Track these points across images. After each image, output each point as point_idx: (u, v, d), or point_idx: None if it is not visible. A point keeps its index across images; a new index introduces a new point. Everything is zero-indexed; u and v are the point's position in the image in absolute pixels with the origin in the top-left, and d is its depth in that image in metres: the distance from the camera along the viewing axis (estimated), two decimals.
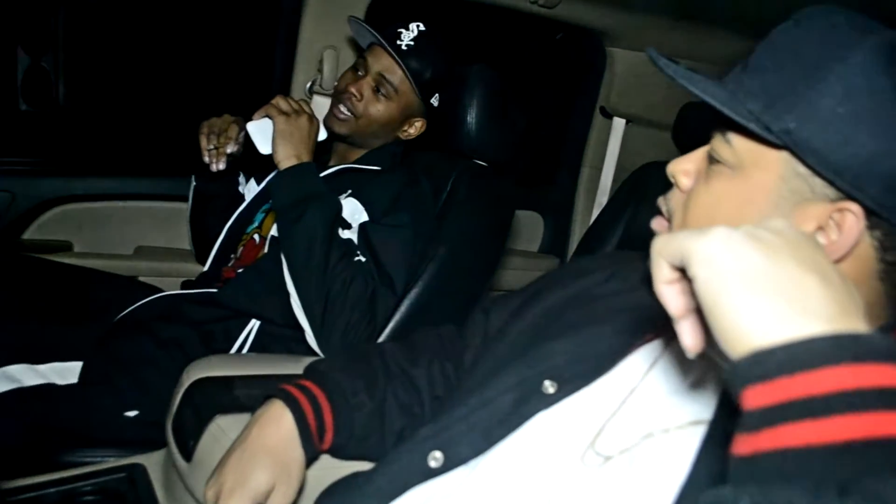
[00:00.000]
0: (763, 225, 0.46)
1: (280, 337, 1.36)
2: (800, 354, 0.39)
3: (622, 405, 0.69)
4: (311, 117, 1.36)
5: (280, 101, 1.34)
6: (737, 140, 0.62)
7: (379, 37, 1.44)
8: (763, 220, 0.48)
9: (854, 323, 0.41)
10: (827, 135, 0.56)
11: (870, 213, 0.57)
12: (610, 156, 2.42)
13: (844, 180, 0.56)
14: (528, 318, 0.88)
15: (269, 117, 1.32)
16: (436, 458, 0.74)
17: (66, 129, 2.47)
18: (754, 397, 0.40)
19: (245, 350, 1.36)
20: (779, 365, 0.39)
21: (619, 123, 2.39)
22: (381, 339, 1.35)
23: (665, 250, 0.47)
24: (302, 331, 1.27)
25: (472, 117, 1.50)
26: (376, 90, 1.45)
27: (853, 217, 0.57)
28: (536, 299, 0.90)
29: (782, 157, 0.59)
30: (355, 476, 0.80)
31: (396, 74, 1.44)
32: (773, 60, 0.60)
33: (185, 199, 1.68)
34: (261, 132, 1.33)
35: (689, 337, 0.47)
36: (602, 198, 2.45)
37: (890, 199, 0.56)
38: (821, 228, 0.59)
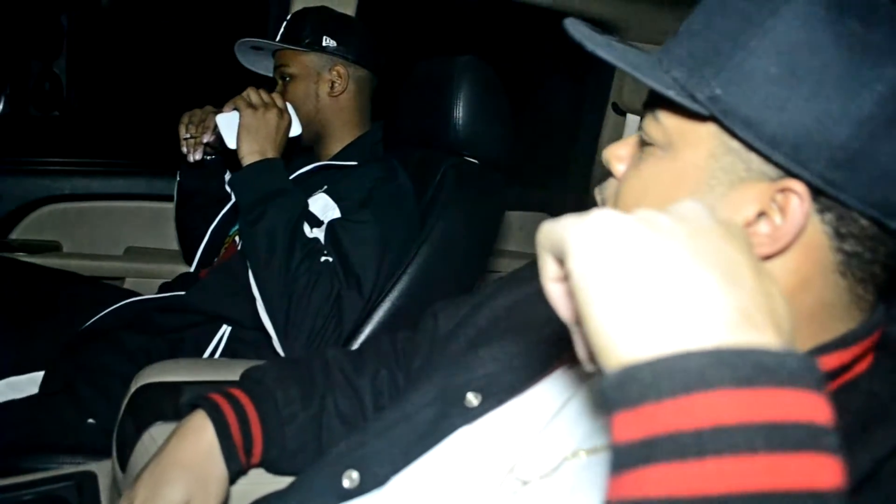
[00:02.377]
0: (669, 209, 0.38)
1: (251, 342, 1.30)
2: (669, 374, 0.30)
3: (550, 422, 0.60)
4: (282, 111, 1.30)
5: (250, 93, 1.29)
6: (664, 116, 0.53)
7: (254, 41, 1.47)
8: (673, 203, 0.39)
9: (760, 335, 0.32)
10: (758, 100, 0.46)
11: (817, 193, 0.47)
12: None
13: (782, 153, 0.46)
14: (473, 324, 0.79)
15: (237, 110, 1.27)
16: (351, 479, 0.67)
17: (75, 131, 2.48)
18: (620, 428, 0.31)
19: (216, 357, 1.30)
20: (643, 388, 0.30)
21: (632, 120, 2.28)
22: (356, 346, 1.29)
23: (547, 240, 0.39)
24: None
25: (459, 110, 1.42)
26: (284, 81, 1.45)
27: (797, 198, 0.47)
28: (487, 303, 0.82)
29: (710, 130, 0.50)
30: (269, 497, 0.73)
31: (281, 55, 1.45)
32: (701, 22, 0.51)
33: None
34: (229, 125, 1.27)
35: (582, 347, 0.39)
36: None
37: (838, 174, 0.45)
38: (764, 213, 0.49)
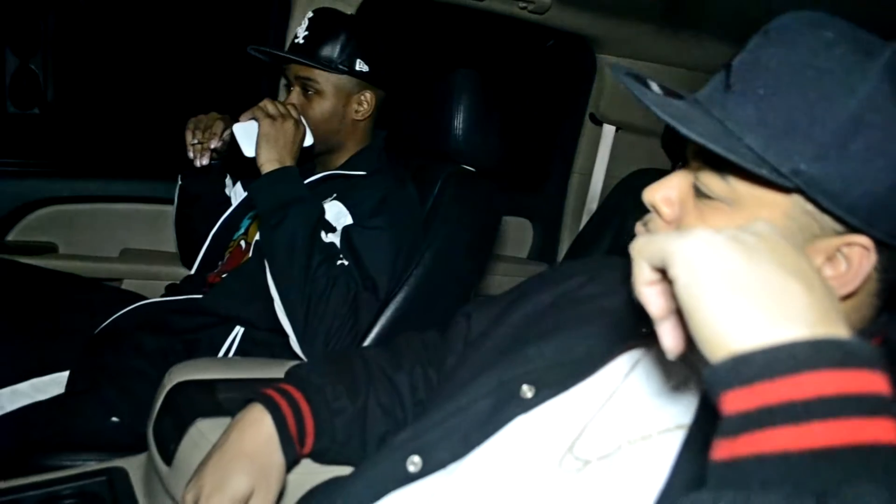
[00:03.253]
0: (746, 228, 0.46)
1: (264, 343, 1.36)
2: (780, 359, 0.38)
3: (601, 410, 0.69)
4: (298, 122, 1.35)
5: (267, 105, 1.33)
6: (736, 181, 0.58)
7: (271, 49, 1.46)
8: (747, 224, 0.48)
9: (835, 328, 0.40)
10: (840, 174, 0.53)
11: (878, 243, 0.56)
12: (599, 163, 2.43)
13: (857, 218, 0.54)
14: (509, 323, 0.87)
15: (256, 119, 1.32)
16: (414, 463, 0.73)
17: (55, 130, 2.46)
18: (733, 402, 0.39)
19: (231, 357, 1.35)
20: (759, 369, 0.39)
21: (608, 130, 2.39)
22: (365, 344, 1.35)
23: (646, 251, 0.47)
24: (285, 336, 1.26)
25: (458, 122, 1.50)
26: (305, 93, 1.43)
27: (862, 250, 0.56)
28: (517, 304, 0.90)
29: (790, 196, 0.56)
30: (335, 481, 0.80)
31: (307, 69, 1.42)
32: (765, 85, 0.56)
33: (171, 202, 1.68)
34: (246, 134, 1.32)
35: (670, 338, 0.47)
36: (591, 204, 2.45)
37: None
38: (828, 260, 0.57)
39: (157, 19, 2.77)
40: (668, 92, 0.61)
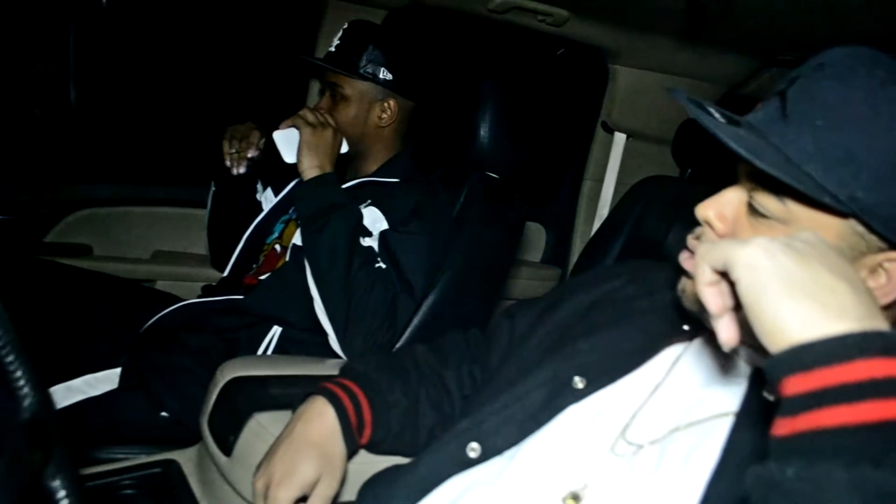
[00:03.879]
0: (796, 237, 0.53)
1: (300, 342, 1.42)
2: (836, 348, 0.45)
3: (649, 399, 0.75)
4: (336, 131, 1.41)
5: (307, 113, 1.39)
6: (792, 201, 0.63)
7: (303, 56, 1.54)
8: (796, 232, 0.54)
9: (879, 323, 0.47)
10: (891, 199, 0.59)
11: None
12: (611, 169, 2.49)
13: None
14: (554, 321, 0.93)
15: (296, 128, 1.38)
16: (473, 449, 0.80)
17: (81, 134, 2.51)
18: (794, 385, 0.46)
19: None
20: (817, 357, 0.45)
21: (620, 138, 2.46)
22: (399, 344, 1.41)
23: (709, 256, 0.53)
24: (322, 335, 1.32)
25: (484, 131, 1.55)
26: (333, 98, 1.50)
27: None
28: (560, 304, 0.96)
29: (845, 219, 0.62)
30: (396, 468, 0.85)
31: (336, 75, 1.48)
32: (823, 117, 0.61)
33: (200, 206, 1.74)
34: (286, 141, 1.38)
35: (727, 332, 0.53)
36: (603, 210, 2.51)
37: None
38: (871, 273, 0.64)
39: (181, 24, 2.82)
40: (728, 117, 0.66)
